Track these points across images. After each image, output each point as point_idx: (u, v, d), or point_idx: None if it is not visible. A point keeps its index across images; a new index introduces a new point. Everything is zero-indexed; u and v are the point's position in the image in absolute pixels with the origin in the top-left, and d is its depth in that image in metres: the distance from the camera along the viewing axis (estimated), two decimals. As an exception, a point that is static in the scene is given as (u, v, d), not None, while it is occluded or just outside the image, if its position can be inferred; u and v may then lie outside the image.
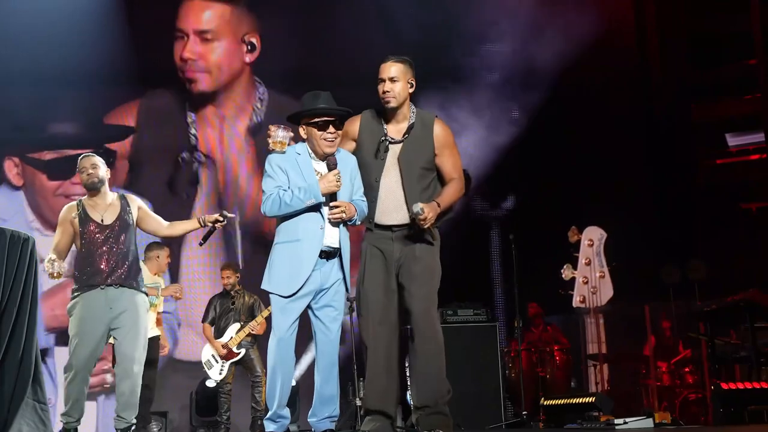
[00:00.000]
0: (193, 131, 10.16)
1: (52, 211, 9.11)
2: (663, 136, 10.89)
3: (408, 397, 5.27)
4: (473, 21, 10.24)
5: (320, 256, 4.47)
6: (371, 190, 4.62)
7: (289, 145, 4.58)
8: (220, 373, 8.40)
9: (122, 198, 5.58)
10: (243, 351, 8.38)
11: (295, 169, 4.50)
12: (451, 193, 4.63)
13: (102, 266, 5.30)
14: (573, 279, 7.07)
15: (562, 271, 7.03)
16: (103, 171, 5.51)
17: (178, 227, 5.75)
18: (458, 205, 4.92)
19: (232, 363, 8.40)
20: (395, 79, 4.55)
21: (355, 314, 6.31)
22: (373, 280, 4.60)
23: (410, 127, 4.61)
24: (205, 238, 5.71)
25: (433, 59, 8.77)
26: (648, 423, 6.46)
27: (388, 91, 4.55)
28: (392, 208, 4.60)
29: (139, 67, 9.77)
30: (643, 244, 10.08)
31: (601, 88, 10.61)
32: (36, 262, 4.19)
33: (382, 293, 4.59)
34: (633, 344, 9.25)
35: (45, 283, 8.24)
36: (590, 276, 7.10)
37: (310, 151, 4.55)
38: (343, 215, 4.44)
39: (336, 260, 4.53)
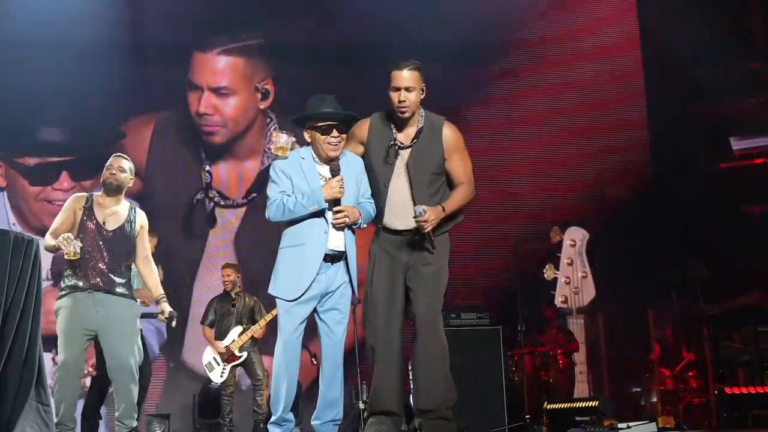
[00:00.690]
0: (207, 169, 10.13)
1: (33, 215, 9.08)
2: (666, 139, 10.87)
3: (410, 400, 5.26)
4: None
5: (325, 260, 4.47)
6: (380, 195, 4.61)
7: (291, 149, 4.57)
8: (222, 376, 8.39)
9: (132, 209, 5.52)
10: (245, 354, 8.36)
11: (299, 173, 4.50)
12: (459, 197, 4.60)
13: (94, 270, 5.25)
14: (555, 279, 7.09)
15: (544, 271, 7.05)
16: (127, 177, 5.45)
17: (147, 276, 5.63)
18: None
19: (233, 366, 8.39)
20: (411, 88, 4.48)
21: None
22: (381, 284, 4.60)
23: (419, 132, 4.58)
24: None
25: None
26: (652, 427, 6.45)
27: (404, 101, 4.48)
28: (401, 213, 4.58)
29: (145, 87, 9.73)
30: (645, 247, 10.07)
31: (603, 87, 10.61)
32: (40, 263, 4.18)
33: (390, 297, 4.59)
34: (635, 348, 9.25)
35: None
36: (572, 276, 7.11)
37: (314, 155, 4.55)
38: (347, 220, 4.44)
39: (342, 263, 4.54)
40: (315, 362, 7.69)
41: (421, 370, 4.55)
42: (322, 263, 4.45)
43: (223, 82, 10.22)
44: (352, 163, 4.59)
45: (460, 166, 4.63)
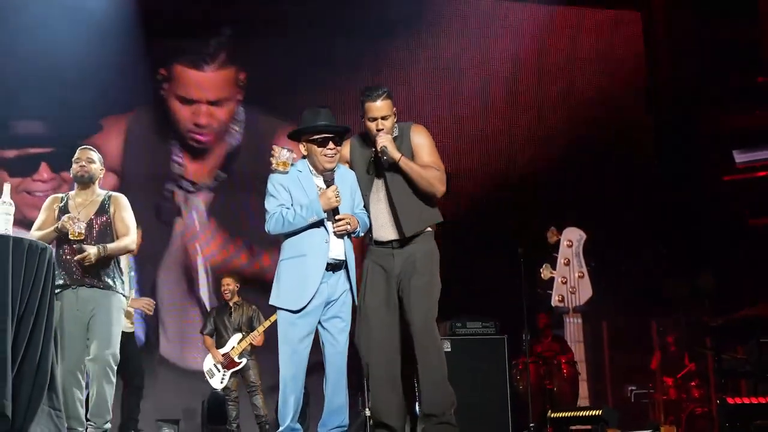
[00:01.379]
0: (178, 160, 10.17)
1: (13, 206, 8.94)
2: (672, 150, 10.90)
3: (416, 407, 5.29)
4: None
5: (327, 269, 4.52)
6: (366, 209, 4.71)
7: (292, 164, 4.64)
8: (222, 382, 8.44)
9: (107, 196, 5.40)
10: (244, 360, 8.41)
11: (297, 185, 4.56)
12: (420, 167, 4.62)
13: (73, 265, 5.14)
14: (552, 279, 7.12)
15: (541, 270, 7.07)
16: (97, 168, 5.38)
17: (116, 244, 5.34)
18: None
19: (233, 372, 8.43)
20: (386, 116, 4.62)
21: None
22: (375, 296, 4.66)
23: (395, 141, 4.67)
24: None
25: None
26: (654, 436, 6.47)
27: (381, 129, 4.60)
28: (386, 224, 4.67)
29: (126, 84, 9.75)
30: (651, 260, 10.10)
31: (608, 101, 10.64)
32: (54, 270, 4.23)
33: (384, 308, 4.65)
34: (639, 357, 9.27)
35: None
36: (569, 276, 7.13)
37: (311, 168, 4.62)
38: (348, 227, 4.50)
39: (342, 272, 4.59)
40: None
41: (422, 378, 4.60)
42: (323, 272, 4.49)
43: (219, 95, 10.29)
44: (346, 176, 4.69)
45: (425, 154, 4.68)
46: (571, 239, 7.26)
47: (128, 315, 7.15)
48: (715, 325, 7.86)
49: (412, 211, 4.64)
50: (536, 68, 10.54)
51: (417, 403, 4.84)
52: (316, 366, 4.68)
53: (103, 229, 5.26)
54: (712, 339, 7.91)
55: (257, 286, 9.03)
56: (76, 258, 5.09)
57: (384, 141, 4.56)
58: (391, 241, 4.67)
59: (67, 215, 5.09)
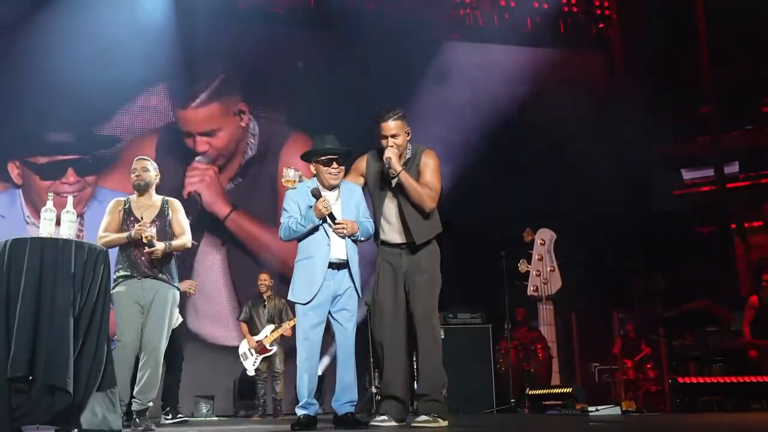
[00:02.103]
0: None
1: (44, 206, 8.93)
2: (629, 171, 10.87)
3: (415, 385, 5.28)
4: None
5: (331, 268, 4.53)
6: (379, 216, 4.69)
7: (300, 181, 4.67)
8: (254, 365, 8.32)
9: (165, 201, 5.30)
10: (274, 348, 8.30)
11: (305, 200, 4.58)
12: (416, 185, 4.57)
13: (138, 260, 5.04)
14: (527, 272, 7.12)
15: (519, 265, 7.09)
16: (152, 175, 5.26)
17: (176, 242, 5.22)
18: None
19: (264, 357, 8.34)
20: (397, 134, 4.59)
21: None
22: (385, 290, 4.65)
23: (407, 162, 4.66)
24: None
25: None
26: (616, 410, 6.41)
27: (392, 146, 4.57)
28: (396, 230, 4.66)
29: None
30: (613, 262, 10.07)
31: (574, 130, 10.62)
32: (109, 269, 4.20)
33: (393, 300, 4.63)
34: (603, 344, 9.21)
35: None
36: (542, 270, 7.17)
37: (319, 184, 4.63)
38: (344, 231, 4.50)
39: (345, 271, 4.58)
40: None
41: (419, 361, 4.59)
42: (328, 270, 4.51)
43: (211, 126, 10.29)
44: (352, 190, 4.70)
45: (426, 175, 4.64)
46: (544, 238, 7.30)
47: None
48: (667, 317, 7.83)
49: (420, 224, 4.62)
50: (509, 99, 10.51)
51: (416, 383, 4.82)
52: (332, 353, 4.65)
53: (164, 229, 5.17)
54: (664, 328, 7.87)
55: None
56: (146, 251, 5.01)
57: (389, 153, 4.54)
58: (399, 244, 4.66)
59: (138, 224, 5.00)
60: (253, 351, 8.34)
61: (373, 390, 7.48)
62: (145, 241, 4.93)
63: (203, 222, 9.91)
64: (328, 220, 4.50)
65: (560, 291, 7.18)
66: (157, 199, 5.28)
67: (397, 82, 9.39)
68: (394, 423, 4.49)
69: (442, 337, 7.47)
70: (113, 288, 4.96)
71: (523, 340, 8.32)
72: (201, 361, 9.08)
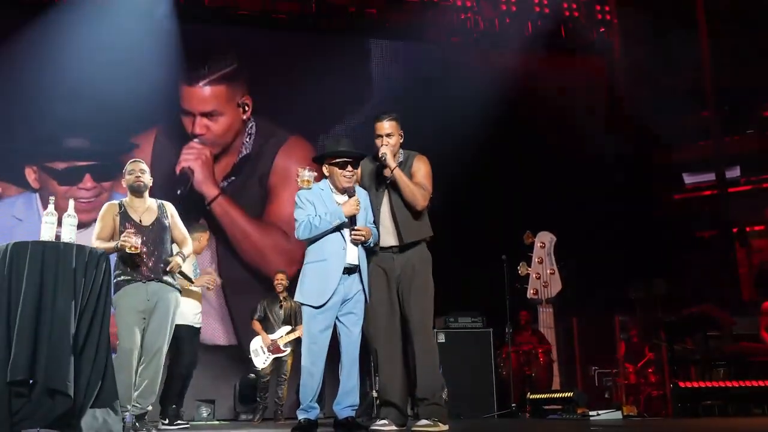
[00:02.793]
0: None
1: (61, 211, 8.89)
2: (631, 176, 10.87)
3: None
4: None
5: (343, 272, 4.50)
6: (377, 220, 4.68)
7: (314, 182, 4.66)
8: (264, 363, 8.23)
9: (160, 204, 5.25)
10: (288, 350, 8.22)
11: (319, 200, 4.57)
12: (409, 182, 4.58)
13: (141, 263, 4.97)
14: (527, 275, 7.12)
15: (518, 268, 7.09)
16: (148, 177, 5.21)
17: (186, 251, 5.32)
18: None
19: (275, 357, 8.27)
20: (390, 134, 4.61)
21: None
22: (379, 295, 4.61)
23: (399, 165, 4.65)
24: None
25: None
26: (617, 415, 6.40)
27: (384, 145, 4.60)
28: (389, 232, 4.64)
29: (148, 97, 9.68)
30: (614, 266, 10.05)
31: (575, 134, 10.61)
32: (110, 272, 4.20)
33: (387, 306, 4.60)
34: (604, 349, 9.19)
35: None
36: (542, 273, 7.17)
37: (331, 186, 4.62)
38: (362, 238, 4.49)
39: (356, 275, 4.56)
40: None
41: (417, 366, 4.54)
42: (341, 275, 4.48)
43: (212, 107, 10.32)
44: (361, 195, 4.68)
45: (418, 176, 4.65)
46: (544, 241, 7.31)
47: (194, 307, 6.79)
48: (668, 321, 7.82)
49: (410, 223, 4.62)
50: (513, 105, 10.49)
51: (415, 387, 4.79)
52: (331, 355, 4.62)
53: (162, 233, 5.13)
54: (666, 332, 7.85)
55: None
56: (169, 268, 5.02)
57: (385, 149, 4.56)
58: (391, 247, 4.65)
59: (122, 235, 4.87)
60: (266, 349, 8.23)
61: (374, 394, 7.46)
62: (129, 251, 4.81)
63: (191, 203, 9.91)
64: (349, 223, 4.49)
65: (560, 294, 7.18)
66: (152, 202, 5.23)
67: (396, 87, 9.41)
68: (394, 427, 4.48)
69: (443, 341, 7.53)
70: (115, 292, 4.94)
71: (524, 345, 8.32)
72: (201, 365, 9.05)
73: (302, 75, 10.20)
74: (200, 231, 7.23)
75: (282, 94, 10.32)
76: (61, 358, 3.74)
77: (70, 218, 4.22)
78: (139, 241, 4.84)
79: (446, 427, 4.42)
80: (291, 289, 8.42)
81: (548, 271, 7.21)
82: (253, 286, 9.75)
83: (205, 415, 8.96)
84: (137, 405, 4.95)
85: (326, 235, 4.50)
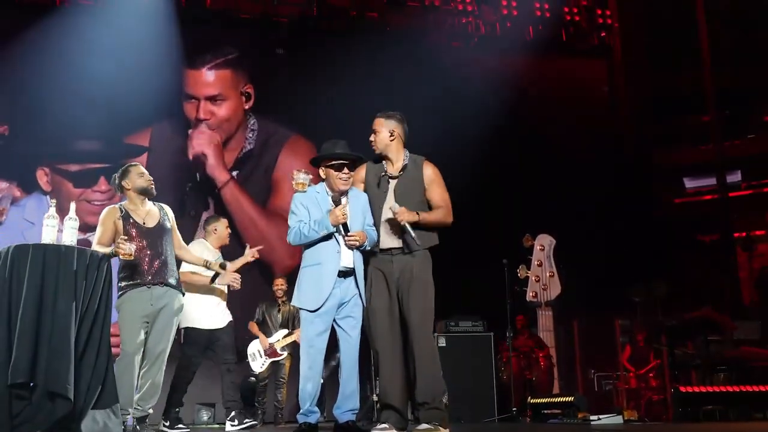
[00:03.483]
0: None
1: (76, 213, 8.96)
2: (631, 179, 10.87)
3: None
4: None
5: (339, 275, 4.49)
6: (375, 219, 4.66)
7: (310, 185, 4.64)
8: (261, 367, 8.22)
9: (160, 207, 5.25)
10: (285, 354, 8.22)
11: (315, 204, 4.55)
12: (434, 215, 4.60)
13: (146, 267, 4.97)
14: (527, 278, 7.12)
15: (517, 270, 7.08)
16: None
17: (187, 255, 5.42)
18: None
19: (272, 361, 8.26)
20: (376, 130, 4.65)
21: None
22: (379, 299, 4.60)
23: (404, 166, 4.66)
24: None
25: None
26: (618, 420, 6.40)
27: (371, 140, 4.67)
28: (391, 234, 4.61)
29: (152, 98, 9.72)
30: (614, 267, 10.05)
31: (576, 138, 10.63)
32: (111, 275, 4.20)
33: (387, 309, 4.59)
34: (604, 352, 9.19)
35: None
36: (541, 275, 7.17)
37: (328, 189, 4.60)
38: (356, 243, 4.48)
39: (352, 278, 4.55)
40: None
41: (417, 369, 4.52)
42: (336, 278, 4.47)
43: (216, 91, 10.34)
44: (359, 198, 4.66)
45: (437, 193, 4.66)
46: (543, 244, 7.31)
47: (219, 308, 6.53)
48: (669, 325, 7.82)
49: (419, 233, 4.56)
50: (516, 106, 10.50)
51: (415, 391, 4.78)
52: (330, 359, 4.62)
53: (166, 236, 5.13)
54: (666, 337, 7.85)
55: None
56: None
57: (396, 207, 4.48)
58: (390, 249, 4.63)
59: (116, 241, 4.78)
60: (263, 353, 8.22)
61: (375, 398, 7.45)
62: (123, 258, 4.74)
63: (200, 190, 10.00)
64: (341, 230, 4.47)
65: (559, 297, 7.18)
66: (153, 206, 5.22)
67: (397, 90, 9.40)
68: (394, 431, 4.48)
69: (444, 345, 7.52)
70: (120, 296, 4.95)
71: (522, 349, 8.31)
72: (201, 367, 9.04)
73: (303, 77, 10.22)
74: (214, 221, 6.72)
75: (282, 96, 10.33)
76: (61, 361, 3.74)
77: (72, 221, 4.21)
78: (134, 248, 4.78)
79: (447, 431, 4.42)
80: (289, 293, 8.48)
81: (547, 274, 7.22)
82: (255, 279, 9.63)
83: (205, 418, 8.95)
84: (138, 407, 4.96)
85: (321, 239, 4.49)
